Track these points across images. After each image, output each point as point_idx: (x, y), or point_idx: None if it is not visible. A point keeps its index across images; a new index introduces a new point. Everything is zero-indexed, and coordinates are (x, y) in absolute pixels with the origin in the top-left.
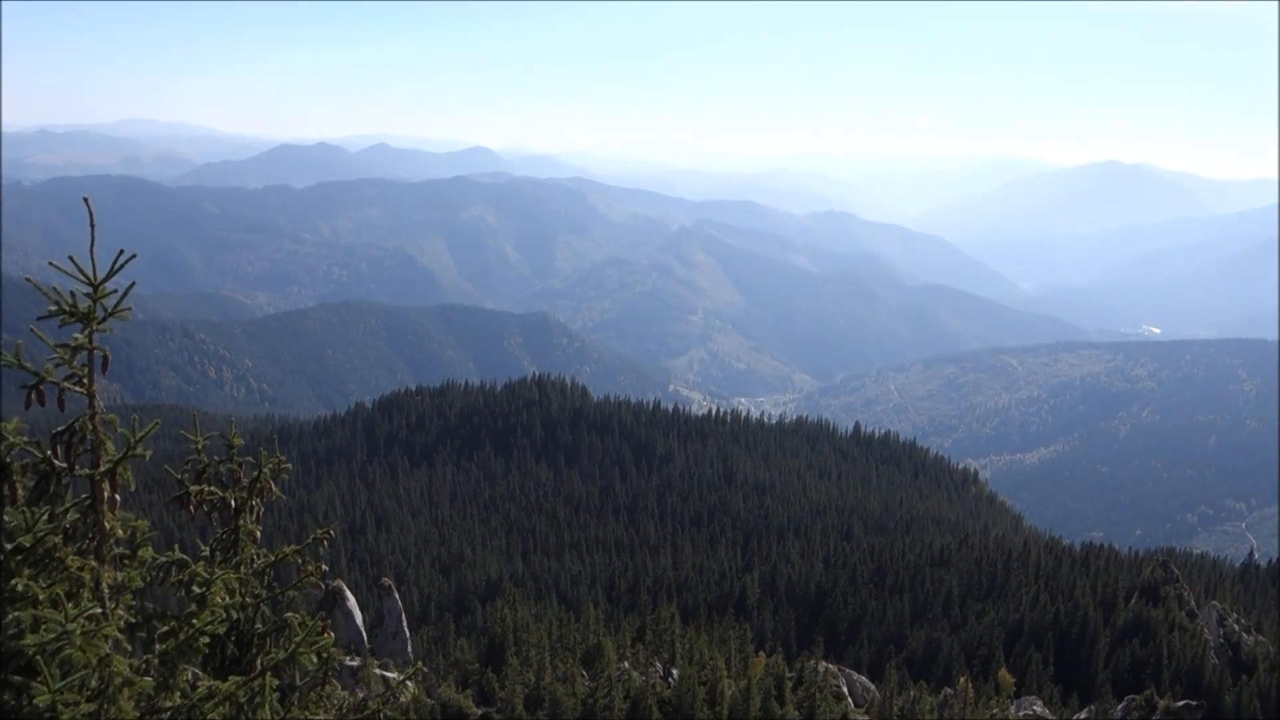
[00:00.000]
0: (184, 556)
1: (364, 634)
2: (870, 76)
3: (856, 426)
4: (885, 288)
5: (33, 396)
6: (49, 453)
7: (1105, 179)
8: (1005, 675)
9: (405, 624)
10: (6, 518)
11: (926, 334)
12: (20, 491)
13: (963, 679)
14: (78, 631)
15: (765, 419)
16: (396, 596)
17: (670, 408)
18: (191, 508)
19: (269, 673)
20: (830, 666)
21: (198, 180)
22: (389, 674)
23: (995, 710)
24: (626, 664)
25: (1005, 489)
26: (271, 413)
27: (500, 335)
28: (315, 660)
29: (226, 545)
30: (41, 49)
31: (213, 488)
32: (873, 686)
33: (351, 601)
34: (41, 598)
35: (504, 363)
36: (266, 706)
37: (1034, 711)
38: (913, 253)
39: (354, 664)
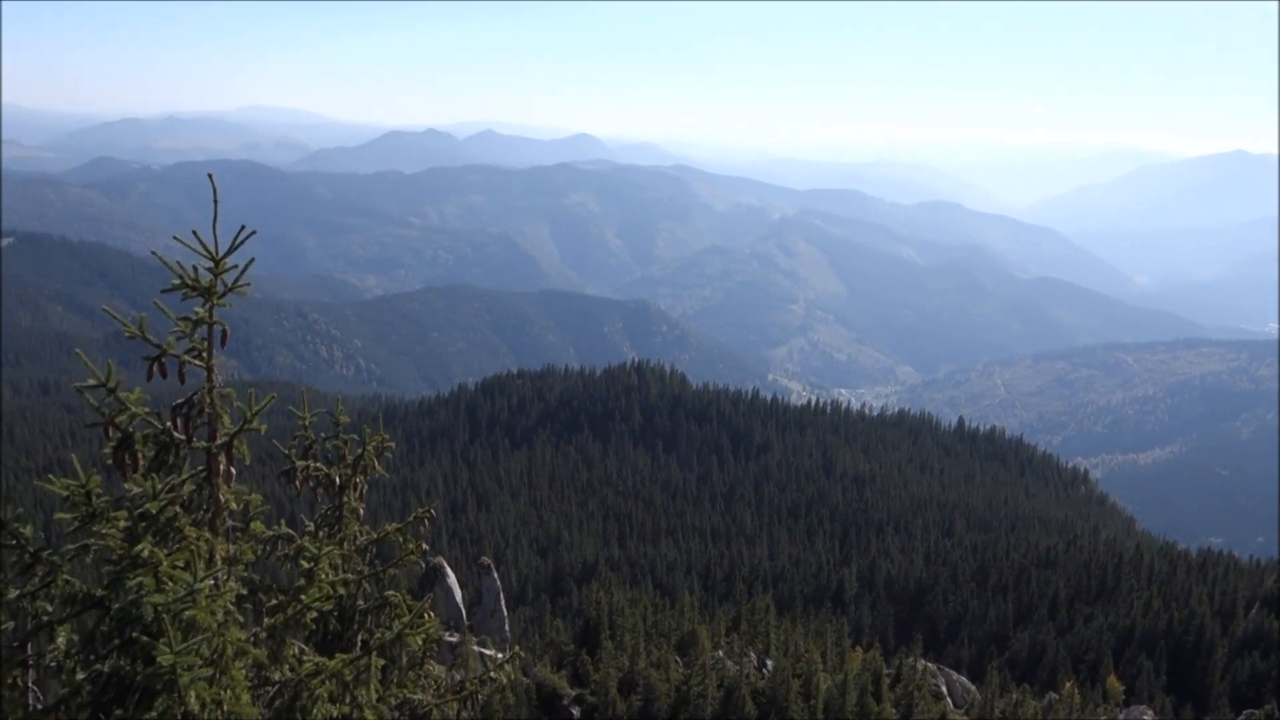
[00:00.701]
0: (290, 531)
1: (463, 611)
2: (984, 64)
3: (960, 421)
4: (993, 280)
5: (154, 368)
6: (168, 424)
7: (1231, 170)
8: (1114, 682)
9: (503, 603)
10: (129, 486)
11: (1036, 328)
12: (141, 461)
13: (1068, 684)
14: (204, 592)
15: (866, 411)
16: (495, 576)
17: (769, 397)
18: (298, 483)
19: (375, 652)
20: (929, 665)
21: (313, 165)
22: (486, 651)
23: (1103, 718)
24: (721, 652)
25: (1117, 490)
26: (378, 392)
27: (601, 321)
28: (420, 642)
29: (331, 521)
30: (170, 37)
31: (319, 464)
32: (973, 687)
33: (452, 579)
34: (164, 564)
35: (604, 348)
36: (371, 685)
37: None
38: (1023, 244)
39: (453, 640)
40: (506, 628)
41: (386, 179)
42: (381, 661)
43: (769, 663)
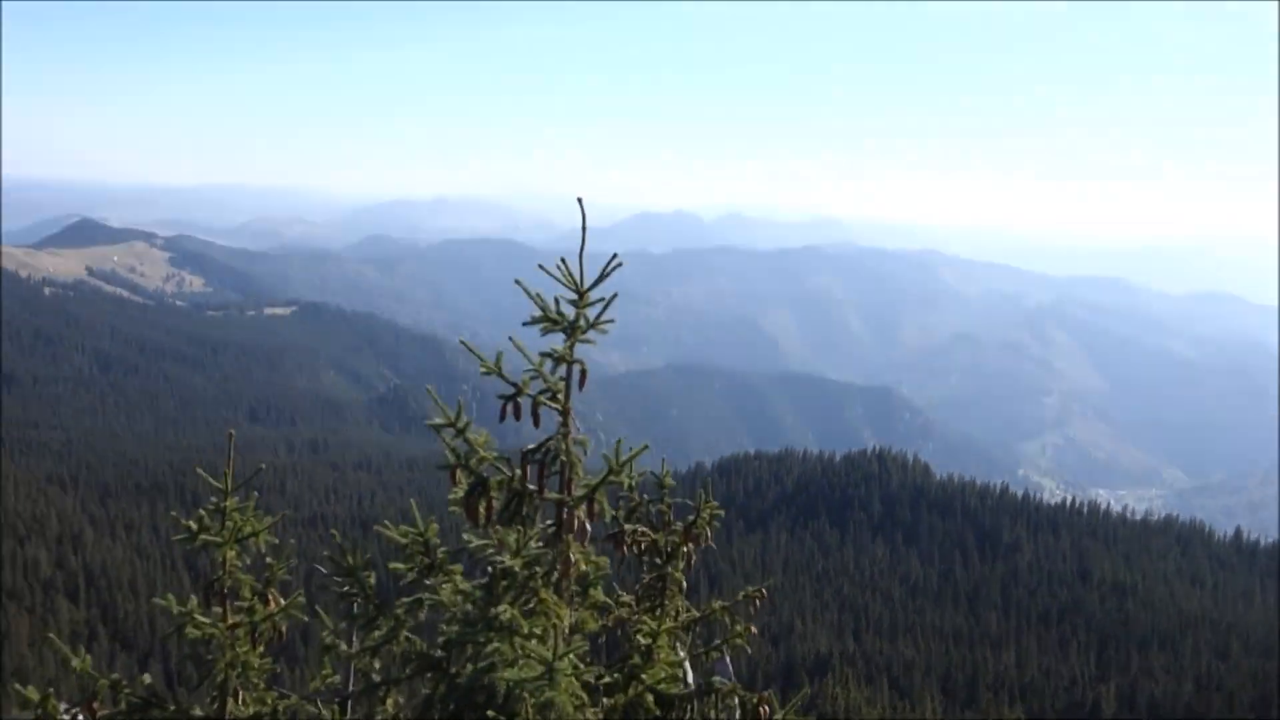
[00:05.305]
0: (607, 600)
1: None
2: (1271, 140)
3: (1238, 531)
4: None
5: (507, 409)
6: (518, 471)
7: None
8: None
9: None
10: (467, 538)
11: None
12: (493, 510)
13: None
14: (565, 671)
15: (1128, 514)
16: (728, 661)
17: (1019, 494)
18: (625, 549)
19: None
20: None
21: (566, 245)
22: None
23: None
24: None
25: None
26: None
27: (841, 406)
28: None
29: (654, 593)
30: (441, 126)
31: (644, 528)
32: None
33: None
34: (524, 630)
35: (844, 434)
36: None
37: None
38: None
39: None
40: (738, 717)
41: (635, 258)
42: None
43: None
